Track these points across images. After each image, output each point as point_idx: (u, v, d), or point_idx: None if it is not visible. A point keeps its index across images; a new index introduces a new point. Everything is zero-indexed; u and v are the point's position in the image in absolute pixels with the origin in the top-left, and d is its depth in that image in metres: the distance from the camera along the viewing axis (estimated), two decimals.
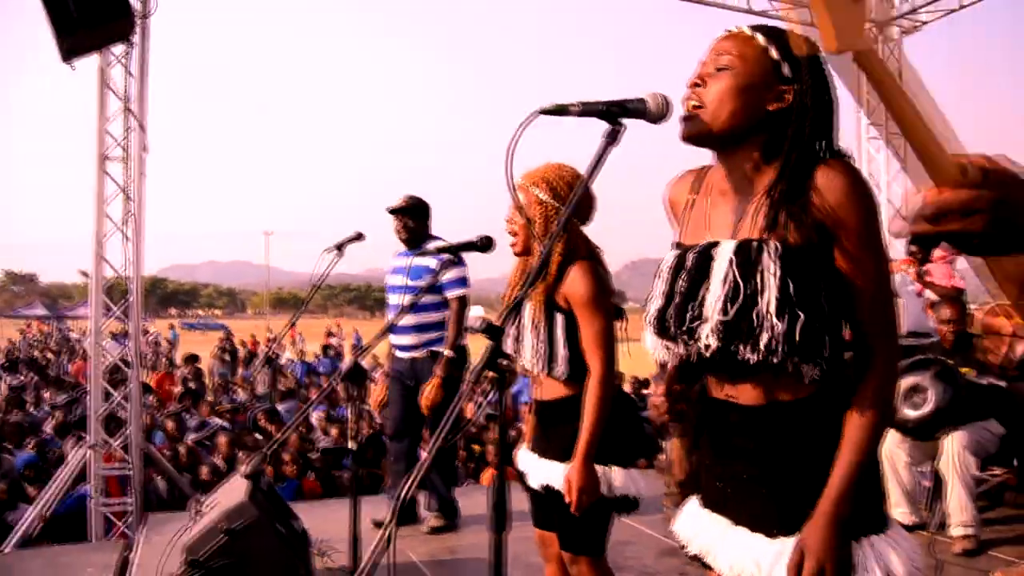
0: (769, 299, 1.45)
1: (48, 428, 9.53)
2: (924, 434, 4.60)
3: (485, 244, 2.63)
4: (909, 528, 4.77)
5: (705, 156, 1.68)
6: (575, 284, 2.48)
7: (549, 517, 2.64)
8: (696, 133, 1.57)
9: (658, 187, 1.86)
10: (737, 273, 1.49)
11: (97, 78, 6.25)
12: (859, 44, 1.01)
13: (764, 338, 1.45)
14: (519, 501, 2.74)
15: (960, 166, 1.00)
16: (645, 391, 11.94)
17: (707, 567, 1.66)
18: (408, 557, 4.44)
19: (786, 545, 1.51)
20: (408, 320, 4.68)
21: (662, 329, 1.60)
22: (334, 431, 8.58)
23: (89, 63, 6.04)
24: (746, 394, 1.58)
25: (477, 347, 1.91)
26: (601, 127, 1.39)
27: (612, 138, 1.33)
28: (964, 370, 4.72)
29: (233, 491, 3.45)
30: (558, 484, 2.48)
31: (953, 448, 4.46)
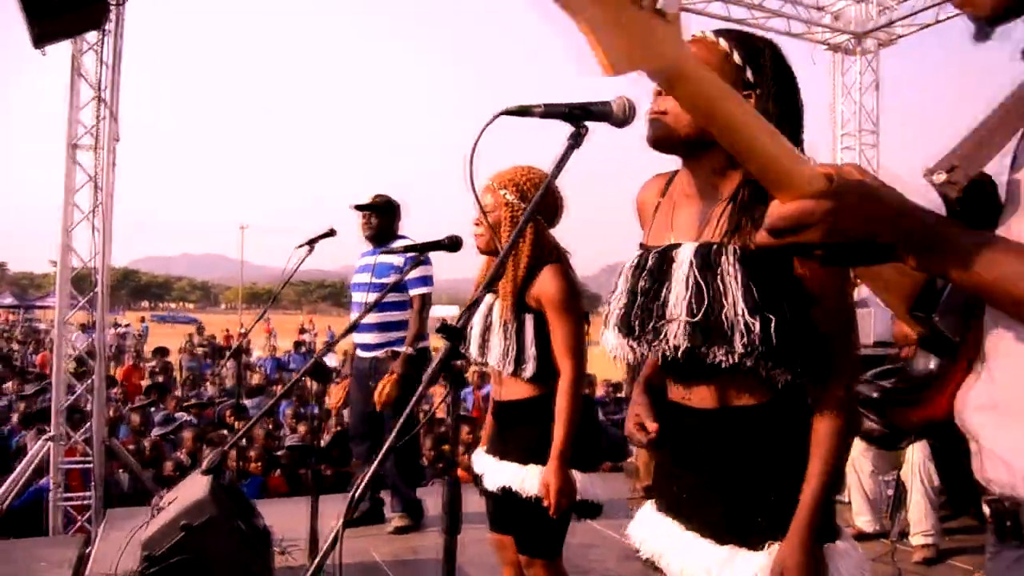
0: (736, 300, 1.45)
1: (14, 419, 9.38)
2: (889, 444, 4.65)
3: (453, 244, 2.62)
4: (871, 536, 4.83)
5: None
6: (547, 286, 2.48)
7: (506, 520, 2.63)
8: (660, 139, 1.57)
9: (636, 190, 1.86)
10: (698, 274, 1.49)
11: (69, 65, 6.15)
12: (648, 64, 0.89)
13: (739, 339, 1.45)
14: (481, 503, 2.74)
15: (825, 176, 0.98)
16: (619, 394, 11.95)
17: (661, 571, 1.66)
18: (371, 557, 4.42)
19: (735, 552, 1.51)
20: (371, 318, 4.66)
21: (627, 329, 1.60)
22: (302, 428, 8.51)
23: (61, 49, 5.95)
24: (702, 398, 1.58)
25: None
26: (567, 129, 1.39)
27: (575, 140, 1.32)
28: None
29: (194, 487, 3.41)
30: (517, 486, 2.48)
31: (916, 458, 4.50)
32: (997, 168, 1.05)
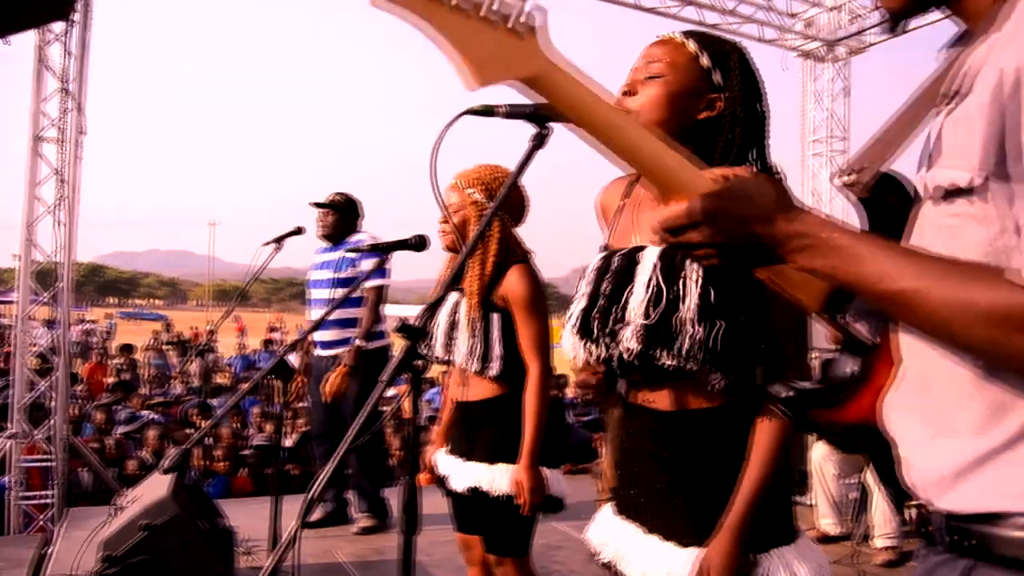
0: (690, 305, 1.45)
1: None
2: (852, 447, 4.70)
3: (419, 243, 2.61)
4: (835, 538, 4.88)
5: None
6: (515, 285, 2.49)
7: (472, 520, 2.62)
8: None
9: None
10: (660, 278, 1.49)
11: (34, 56, 6.04)
12: (504, 78, 0.98)
13: (683, 344, 1.46)
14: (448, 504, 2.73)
15: (715, 180, 1.01)
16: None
17: (621, 574, 1.65)
18: (335, 557, 4.38)
19: (695, 555, 1.51)
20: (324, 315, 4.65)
21: (585, 331, 1.59)
22: (269, 428, 8.44)
23: (26, 39, 5.85)
24: (660, 400, 1.58)
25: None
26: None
27: (539, 141, 1.32)
28: None
29: (155, 487, 3.37)
30: (487, 486, 2.48)
31: None
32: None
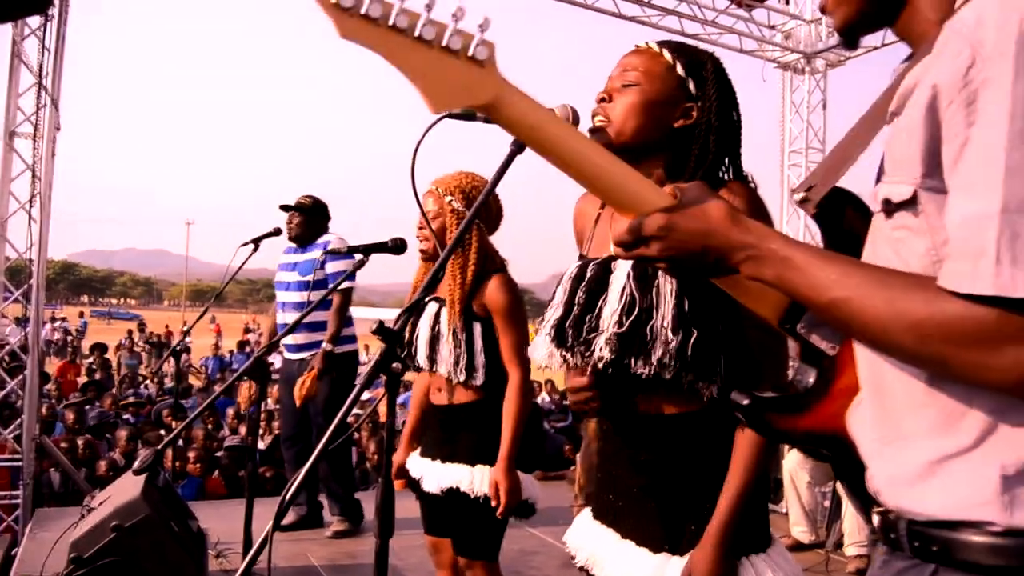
0: (665, 314, 1.47)
1: None
2: (818, 454, 4.74)
3: (397, 246, 2.60)
4: (808, 546, 4.92)
5: None
6: (496, 295, 2.54)
7: (443, 523, 2.65)
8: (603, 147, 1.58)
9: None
10: (634, 287, 1.51)
11: (9, 50, 5.96)
12: (465, 103, 1.03)
13: (657, 352, 1.47)
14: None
15: (670, 194, 1.06)
16: (566, 401, 11.97)
17: None
18: (308, 561, 4.36)
19: (670, 561, 1.52)
20: (295, 318, 4.63)
21: (560, 339, 1.60)
22: (243, 429, 8.36)
23: (2, 33, 5.78)
24: (637, 407, 1.59)
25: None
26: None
27: (518, 147, 1.32)
28: None
29: (126, 488, 3.33)
30: (466, 486, 2.51)
31: None
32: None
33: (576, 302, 1.59)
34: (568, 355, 1.61)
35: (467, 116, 1.34)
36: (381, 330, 1.24)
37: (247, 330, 27.59)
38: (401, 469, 2.76)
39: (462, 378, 2.53)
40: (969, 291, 0.81)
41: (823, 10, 1.09)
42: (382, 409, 7.86)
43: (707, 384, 1.50)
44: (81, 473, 6.61)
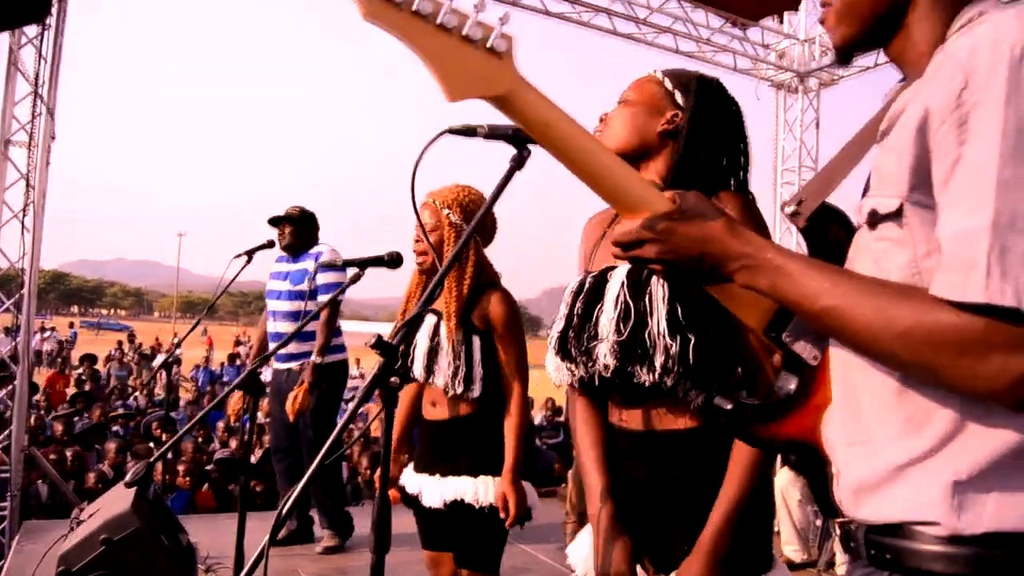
0: (658, 319, 1.48)
1: None
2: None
3: (393, 260, 2.60)
4: (799, 565, 4.91)
5: None
6: (497, 309, 2.56)
7: (444, 536, 2.64)
8: None
9: (577, 213, 1.90)
10: (628, 295, 1.53)
11: (5, 58, 5.96)
12: (481, 93, 1.04)
13: (659, 359, 1.48)
14: (413, 525, 2.71)
15: (670, 199, 1.09)
16: (559, 418, 11.94)
17: None
18: None
19: None
20: (286, 328, 4.62)
21: (563, 351, 1.62)
22: (234, 443, 8.32)
23: None
24: (636, 420, 1.60)
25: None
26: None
27: (518, 163, 1.33)
28: None
29: (116, 500, 3.30)
30: (471, 498, 2.51)
31: None
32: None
33: (575, 314, 1.62)
34: (572, 366, 1.62)
35: (467, 132, 1.35)
36: (380, 344, 1.23)
37: (238, 342, 27.48)
38: (393, 483, 2.74)
39: (460, 390, 2.53)
40: (960, 299, 0.84)
41: (823, 23, 1.12)
42: (375, 423, 7.83)
43: (699, 392, 1.51)
44: (69, 485, 6.56)
